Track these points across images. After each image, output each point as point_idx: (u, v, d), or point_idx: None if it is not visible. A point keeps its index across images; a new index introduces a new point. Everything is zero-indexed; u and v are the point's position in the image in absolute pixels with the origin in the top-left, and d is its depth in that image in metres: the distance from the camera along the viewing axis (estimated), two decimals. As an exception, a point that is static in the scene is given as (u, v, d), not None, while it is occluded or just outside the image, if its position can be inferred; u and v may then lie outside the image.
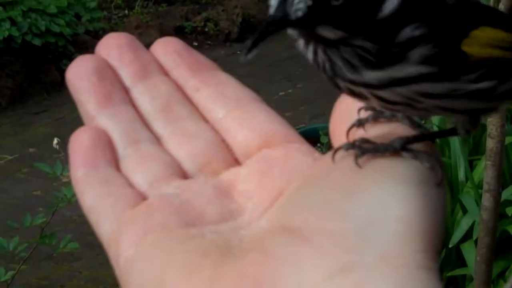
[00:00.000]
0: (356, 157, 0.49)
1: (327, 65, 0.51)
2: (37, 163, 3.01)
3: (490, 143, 2.07)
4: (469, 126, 0.55)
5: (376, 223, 0.46)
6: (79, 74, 0.58)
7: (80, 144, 0.55)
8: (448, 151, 3.47)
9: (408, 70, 0.50)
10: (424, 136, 0.52)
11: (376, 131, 0.54)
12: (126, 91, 0.59)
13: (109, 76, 0.58)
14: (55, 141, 3.29)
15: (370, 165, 0.49)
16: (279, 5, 0.48)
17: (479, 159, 3.36)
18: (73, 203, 2.78)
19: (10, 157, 5.41)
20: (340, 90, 0.53)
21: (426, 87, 0.51)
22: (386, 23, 0.49)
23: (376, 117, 0.55)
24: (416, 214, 0.46)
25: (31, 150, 5.49)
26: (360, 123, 0.54)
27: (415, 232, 0.45)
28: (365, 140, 0.51)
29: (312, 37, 0.50)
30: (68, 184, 2.78)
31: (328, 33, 0.49)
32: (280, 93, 6.23)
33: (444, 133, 0.58)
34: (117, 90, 0.58)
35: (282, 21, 0.48)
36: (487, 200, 2.12)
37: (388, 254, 0.44)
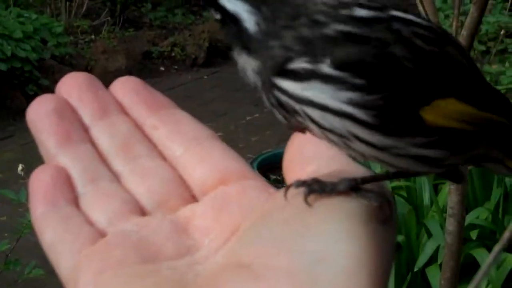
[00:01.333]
0: (305, 195, 0.51)
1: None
2: (2, 190, 2.99)
3: (453, 169, 2.10)
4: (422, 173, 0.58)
5: (325, 260, 0.47)
6: (40, 114, 0.59)
7: (40, 182, 0.56)
8: (413, 175, 3.48)
9: (320, 98, 0.51)
10: (374, 177, 0.54)
11: (328, 169, 0.55)
12: (85, 129, 0.60)
13: (69, 115, 0.59)
14: (20, 167, 3.27)
15: (320, 203, 0.51)
16: None
17: (444, 183, 3.39)
18: (38, 230, 2.77)
19: (-26, 184, 5.36)
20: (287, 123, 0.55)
21: (354, 127, 0.51)
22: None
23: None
24: (363, 251, 0.48)
25: (-4, 176, 5.45)
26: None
27: (363, 268, 0.47)
28: (315, 180, 0.53)
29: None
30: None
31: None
32: (247, 117, 6.24)
33: (397, 175, 0.59)
34: (76, 129, 0.59)
35: None
36: (451, 224, 2.14)
37: None
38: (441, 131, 0.53)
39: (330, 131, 0.52)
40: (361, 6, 0.53)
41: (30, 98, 6.49)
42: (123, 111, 0.61)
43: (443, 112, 0.52)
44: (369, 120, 0.51)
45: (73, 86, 0.61)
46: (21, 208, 3.09)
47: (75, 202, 0.56)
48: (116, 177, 0.58)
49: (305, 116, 0.52)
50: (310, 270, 0.47)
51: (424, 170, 0.55)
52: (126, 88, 0.62)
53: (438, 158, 0.54)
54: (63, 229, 0.54)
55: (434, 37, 0.54)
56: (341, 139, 0.53)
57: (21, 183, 3.80)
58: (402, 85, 0.51)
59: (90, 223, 0.55)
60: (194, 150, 0.59)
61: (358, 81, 0.51)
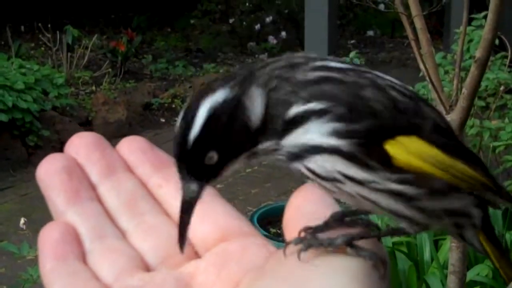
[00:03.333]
0: (300, 252, 0.53)
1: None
2: (3, 243, 2.99)
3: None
4: (417, 228, 0.60)
5: None
6: (49, 172, 0.61)
7: (49, 238, 0.57)
8: (413, 231, 3.49)
9: (312, 138, 0.56)
10: (369, 234, 0.57)
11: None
12: (93, 187, 0.61)
13: (77, 174, 0.61)
14: (22, 221, 3.28)
15: (319, 260, 0.53)
16: (186, 187, 0.58)
17: (445, 239, 3.39)
18: (39, 283, 2.77)
19: (-27, 234, 5.35)
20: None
21: (339, 163, 0.56)
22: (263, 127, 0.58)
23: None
24: None
25: (-5, 227, 5.44)
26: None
27: None
28: (313, 235, 0.56)
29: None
30: (34, 262, 2.76)
31: (234, 167, 0.59)
32: (247, 170, 6.25)
33: (391, 232, 0.62)
34: (84, 187, 0.61)
35: (193, 200, 0.59)
36: (452, 281, 2.14)
37: None
38: (413, 171, 0.57)
39: (324, 178, 0.57)
40: (332, 60, 0.60)
41: (30, 149, 6.54)
42: (129, 169, 0.63)
43: (407, 148, 0.57)
44: (350, 150, 0.56)
45: (81, 145, 0.63)
46: (21, 260, 3.10)
47: (83, 258, 0.57)
48: (122, 233, 0.60)
49: (305, 169, 0.58)
50: None
51: (406, 213, 0.58)
52: (132, 147, 0.64)
53: (413, 197, 0.58)
54: (71, 284, 0.55)
55: (409, 93, 0.60)
56: (334, 184, 0.57)
57: (21, 234, 3.80)
58: (370, 121, 0.57)
59: (97, 278, 0.56)
60: (196, 208, 0.61)
61: (339, 110, 0.56)
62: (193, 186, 0.57)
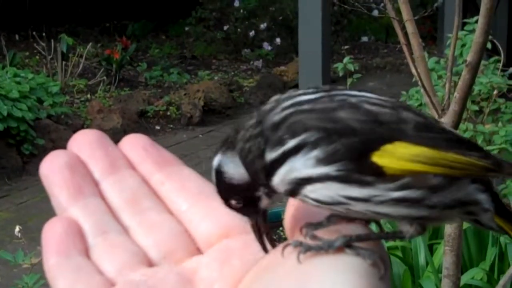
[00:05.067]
0: (300, 254, 0.54)
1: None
2: (-2, 251, 2.99)
3: (448, 229, 2.10)
4: (415, 233, 0.61)
5: None
6: (52, 169, 0.61)
7: (52, 233, 0.58)
8: (408, 235, 3.48)
9: (300, 171, 0.57)
10: (368, 236, 0.57)
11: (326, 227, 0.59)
12: (96, 184, 0.62)
13: (80, 170, 0.61)
14: (17, 228, 3.28)
15: (318, 259, 0.54)
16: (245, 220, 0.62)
17: (439, 243, 3.40)
18: (35, 291, 2.77)
19: (-31, 243, 5.34)
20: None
21: (336, 187, 0.57)
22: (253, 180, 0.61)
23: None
24: None
25: (-9, 235, 5.43)
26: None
27: None
28: (313, 236, 0.57)
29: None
30: (29, 270, 2.76)
31: (265, 202, 0.62)
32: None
33: (390, 236, 0.63)
34: (87, 184, 0.61)
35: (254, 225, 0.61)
36: (446, 285, 2.14)
37: None
38: (407, 174, 0.58)
39: (330, 203, 0.58)
40: (304, 93, 0.61)
41: (25, 158, 6.53)
42: (132, 166, 0.64)
43: (394, 154, 0.58)
44: (340, 173, 0.57)
45: (84, 142, 0.63)
46: (16, 268, 3.10)
47: (86, 252, 0.58)
48: (124, 229, 0.60)
49: (310, 199, 0.58)
50: None
51: (414, 214, 0.59)
52: (134, 144, 0.64)
53: (418, 199, 0.58)
54: (75, 278, 0.56)
55: (387, 104, 0.61)
56: (342, 207, 0.58)
57: (17, 243, 3.80)
58: (350, 139, 0.57)
59: (100, 273, 0.57)
60: (199, 205, 0.62)
61: (314, 138, 0.57)
62: (247, 219, 0.61)
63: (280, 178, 0.58)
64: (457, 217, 0.62)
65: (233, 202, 0.60)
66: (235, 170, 0.60)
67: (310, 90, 0.61)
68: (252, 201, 0.61)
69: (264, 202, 0.61)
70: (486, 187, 0.62)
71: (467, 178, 0.61)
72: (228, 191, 0.60)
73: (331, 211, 0.59)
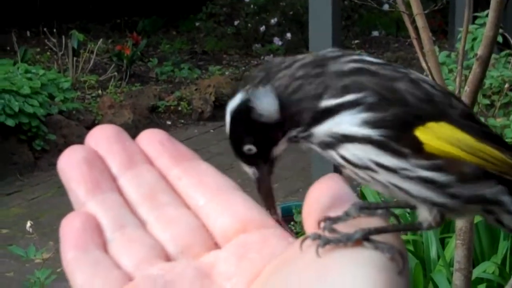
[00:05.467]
0: (318, 247, 0.54)
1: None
2: (11, 247, 3.00)
3: (460, 222, 2.10)
4: (433, 223, 0.61)
5: None
6: (70, 163, 0.61)
7: (71, 228, 0.58)
8: (420, 229, 3.49)
9: (345, 128, 0.60)
10: (386, 229, 0.57)
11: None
12: (113, 179, 0.62)
13: (98, 165, 0.62)
14: (29, 224, 3.29)
15: (337, 252, 0.54)
16: (249, 171, 0.65)
17: (451, 237, 3.39)
18: (46, 286, 2.78)
19: (-18, 238, 5.36)
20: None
21: (371, 151, 0.59)
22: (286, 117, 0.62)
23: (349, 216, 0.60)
24: None
25: (3, 231, 5.45)
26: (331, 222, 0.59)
27: None
28: (332, 229, 0.57)
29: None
30: (41, 265, 2.77)
31: (280, 148, 0.64)
32: (255, 172, 6.24)
33: (409, 227, 0.64)
34: (105, 179, 0.61)
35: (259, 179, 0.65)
36: (458, 278, 2.14)
37: None
38: (443, 157, 0.60)
39: (357, 165, 0.60)
40: (369, 56, 0.63)
41: (37, 153, 6.55)
42: (149, 161, 0.64)
43: (436, 133, 0.59)
44: (381, 138, 0.59)
45: (102, 137, 0.63)
46: (29, 263, 3.11)
47: (104, 247, 0.58)
48: (142, 224, 0.60)
49: (339, 157, 0.61)
50: None
51: (436, 199, 0.60)
52: (152, 139, 0.65)
53: (444, 183, 0.59)
54: (93, 272, 0.56)
55: (440, 88, 0.63)
56: (367, 173, 0.60)
57: (29, 238, 3.81)
58: (401, 109, 0.59)
59: (118, 267, 0.57)
60: (216, 200, 0.62)
61: (370, 100, 0.59)
62: (253, 171, 0.63)
63: (325, 128, 0.60)
64: (477, 213, 0.63)
65: (246, 147, 0.62)
66: (268, 105, 0.61)
67: (374, 56, 0.63)
68: (266, 147, 0.63)
69: (280, 148, 0.63)
70: (510, 189, 0.63)
71: (496, 176, 0.61)
72: (246, 133, 0.62)
73: (354, 175, 0.61)
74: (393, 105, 0.59)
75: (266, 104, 0.61)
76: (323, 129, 0.60)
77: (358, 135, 0.59)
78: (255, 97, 0.61)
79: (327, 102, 0.60)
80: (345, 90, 0.60)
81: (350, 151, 0.60)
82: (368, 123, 0.59)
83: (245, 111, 0.61)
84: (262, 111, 0.61)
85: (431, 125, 0.59)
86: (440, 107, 0.61)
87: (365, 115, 0.59)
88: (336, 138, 0.60)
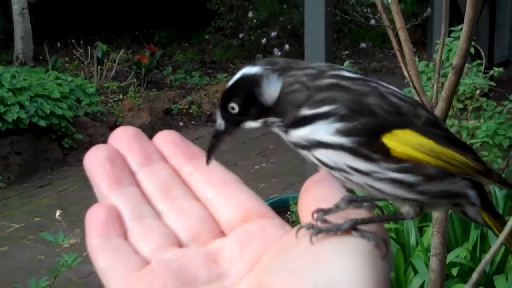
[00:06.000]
0: (312, 236, 0.55)
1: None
2: (42, 233, 3.00)
3: (435, 213, 2.09)
4: (413, 214, 0.61)
5: (335, 286, 0.50)
6: (95, 161, 0.61)
7: (95, 218, 0.58)
8: (401, 218, 3.49)
9: (320, 135, 0.59)
10: (372, 219, 0.58)
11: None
12: (132, 174, 0.62)
13: (119, 162, 0.61)
14: (58, 213, 3.28)
15: (328, 240, 0.55)
16: (218, 122, 0.63)
17: (428, 226, 3.39)
18: (73, 267, 2.78)
19: (17, 226, 5.37)
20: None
21: (344, 157, 0.59)
22: (275, 107, 0.61)
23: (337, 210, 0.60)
24: (367, 279, 0.51)
25: (36, 219, 5.45)
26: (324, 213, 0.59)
27: None
28: (323, 220, 0.57)
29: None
30: (69, 250, 2.77)
31: (252, 124, 0.63)
32: (255, 167, 6.25)
33: (392, 218, 0.63)
34: (125, 174, 0.61)
35: (220, 132, 0.63)
36: (434, 262, 2.14)
37: None
38: (409, 160, 0.59)
39: (333, 168, 0.60)
40: (347, 71, 0.62)
41: (66, 150, 6.55)
42: (164, 159, 0.64)
43: (402, 140, 0.59)
44: (353, 146, 0.59)
45: (123, 138, 0.63)
46: (58, 248, 3.11)
47: (124, 235, 0.58)
48: (158, 215, 0.60)
49: (314, 158, 0.60)
50: None
51: (407, 196, 0.60)
52: (166, 140, 0.64)
53: (412, 183, 0.59)
54: (114, 257, 0.56)
55: (408, 99, 0.62)
56: (342, 174, 0.60)
57: (58, 226, 3.81)
58: (369, 119, 0.59)
59: (136, 252, 0.57)
60: (222, 193, 0.62)
61: (342, 112, 0.59)
62: (222, 124, 0.62)
63: (302, 133, 0.60)
64: (446, 206, 0.63)
65: (232, 105, 0.62)
66: (271, 92, 0.61)
67: (349, 70, 0.63)
68: (245, 117, 0.62)
69: (253, 125, 0.63)
70: (475, 184, 0.63)
71: (459, 175, 0.61)
72: (240, 95, 0.62)
73: (330, 175, 0.61)
74: (362, 116, 0.59)
75: (271, 90, 0.61)
76: (299, 133, 0.60)
77: (332, 143, 0.59)
78: (267, 79, 0.61)
79: (306, 112, 0.60)
80: (321, 103, 0.59)
81: (326, 155, 0.59)
82: (340, 132, 0.59)
83: (252, 82, 0.61)
84: (265, 92, 0.61)
85: (397, 132, 0.59)
86: (405, 117, 0.60)
87: (338, 125, 0.59)
88: (311, 143, 0.60)
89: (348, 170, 0.59)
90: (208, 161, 0.61)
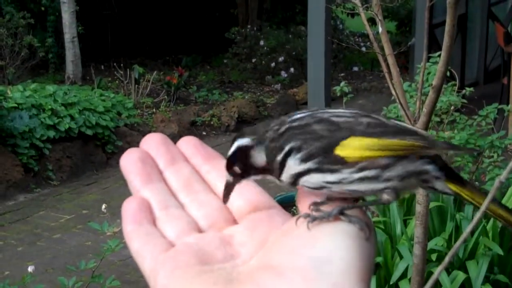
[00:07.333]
0: (308, 223, 0.55)
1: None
2: (89, 223, 3.01)
3: (418, 208, 2.09)
4: (391, 198, 0.60)
5: (328, 262, 0.51)
6: (129, 161, 0.61)
7: (129, 208, 0.58)
8: (388, 212, 3.49)
9: (293, 168, 0.60)
10: (354, 206, 0.58)
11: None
12: (160, 172, 0.62)
13: (149, 162, 0.62)
14: (104, 206, 3.29)
15: (322, 226, 0.55)
16: (227, 178, 0.61)
17: (411, 218, 3.39)
18: (115, 251, 2.79)
19: (68, 217, 5.40)
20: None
21: (316, 176, 0.59)
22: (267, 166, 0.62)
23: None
24: (354, 257, 0.52)
25: (84, 211, 5.48)
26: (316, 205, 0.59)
27: (354, 268, 0.51)
28: (317, 208, 0.57)
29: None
30: (112, 237, 2.78)
31: (254, 178, 0.63)
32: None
33: (373, 203, 0.62)
34: (154, 172, 0.61)
35: (230, 184, 0.61)
36: (417, 249, 2.13)
37: (336, 283, 0.50)
38: (363, 160, 0.59)
39: (317, 188, 0.60)
40: (297, 114, 0.62)
41: (108, 155, 6.57)
42: (186, 160, 0.64)
43: (350, 147, 0.59)
44: (317, 166, 0.59)
45: (152, 142, 0.63)
46: (102, 235, 3.12)
47: (153, 222, 0.58)
48: (181, 205, 0.60)
49: (305, 188, 0.61)
50: (317, 269, 0.50)
51: (377, 187, 0.59)
52: (188, 144, 0.64)
53: (375, 176, 0.59)
54: (145, 240, 0.56)
55: (350, 114, 0.62)
56: (325, 190, 0.60)
57: (102, 217, 3.82)
58: (319, 142, 0.59)
59: (164, 237, 0.57)
60: (235, 189, 0.61)
61: (298, 145, 0.59)
62: (230, 179, 0.61)
63: (286, 175, 0.60)
64: (416, 185, 0.61)
65: (235, 169, 0.61)
66: (259, 158, 0.61)
67: (303, 111, 0.62)
68: (247, 174, 0.62)
69: (255, 178, 0.63)
70: (432, 159, 0.61)
71: (412, 155, 0.60)
72: (239, 161, 0.61)
73: (322, 193, 0.60)
74: (313, 142, 0.59)
75: (260, 158, 0.61)
76: (284, 176, 0.60)
77: (303, 170, 0.59)
78: (254, 150, 0.61)
79: (279, 158, 0.60)
80: (283, 145, 0.60)
81: (306, 181, 0.59)
82: (303, 160, 0.59)
83: (245, 152, 0.61)
84: (256, 160, 0.61)
85: (343, 143, 0.59)
86: (346, 129, 0.60)
87: (299, 155, 0.59)
88: (293, 177, 0.60)
89: (326, 185, 0.59)
90: (225, 202, 0.61)
